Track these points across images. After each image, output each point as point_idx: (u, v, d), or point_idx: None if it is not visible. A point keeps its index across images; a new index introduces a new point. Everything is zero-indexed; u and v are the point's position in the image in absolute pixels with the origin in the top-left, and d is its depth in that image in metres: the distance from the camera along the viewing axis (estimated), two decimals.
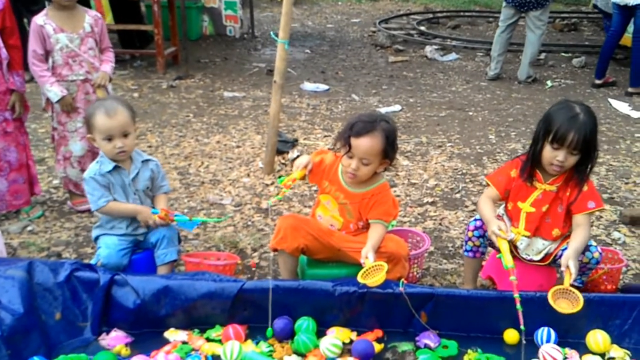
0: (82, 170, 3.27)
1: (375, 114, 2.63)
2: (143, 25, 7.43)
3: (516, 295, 2.24)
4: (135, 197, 2.74)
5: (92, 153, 3.43)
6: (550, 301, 2.28)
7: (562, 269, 2.35)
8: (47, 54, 3.31)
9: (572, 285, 2.34)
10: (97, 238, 2.76)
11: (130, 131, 2.68)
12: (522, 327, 2.23)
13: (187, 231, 3.25)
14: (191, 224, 2.81)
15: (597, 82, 6.77)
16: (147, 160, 2.81)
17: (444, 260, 3.14)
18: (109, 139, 2.64)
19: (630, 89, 6.47)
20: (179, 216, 2.75)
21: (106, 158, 2.69)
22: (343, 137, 2.52)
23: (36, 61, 3.26)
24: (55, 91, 3.28)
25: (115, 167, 2.69)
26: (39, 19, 3.27)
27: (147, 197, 2.80)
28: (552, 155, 2.43)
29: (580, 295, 2.30)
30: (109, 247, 2.65)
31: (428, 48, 8.45)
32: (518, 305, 2.23)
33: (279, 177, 2.73)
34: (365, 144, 2.46)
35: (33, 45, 3.25)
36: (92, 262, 2.67)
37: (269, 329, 2.38)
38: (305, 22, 11.01)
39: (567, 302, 2.31)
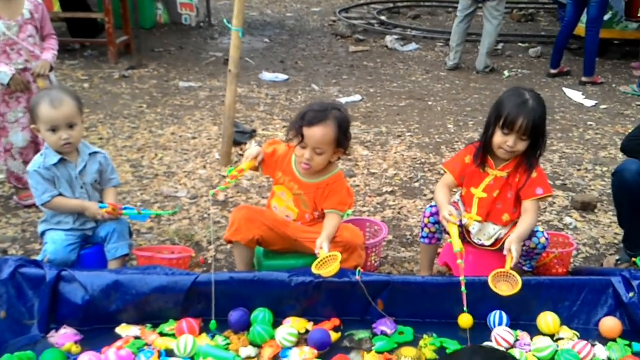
0: (25, 163, 3.18)
1: (327, 103, 2.62)
2: (93, 14, 7.23)
3: (462, 279, 2.31)
4: (83, 191, 2.66)
5: (35, 144, 3.32)
6: (491, 284, 2.34)
7: (505, 252, 2.41)
8: None
9: (515, 269, 2.39)
10: (43, 233, 2.68)
11: (77, 122, 2.60)
12: (465, 308, 2.30)
13: (140, 224, 3.19)
14: (142, 217, 2.75)
15: (552, 71, 6.88)
16: (95, 153, 2.73)
17: (402, 249, 3.15)
18: (54, 130, 2.55)
19: (583, 79, 6.59)
20: (127, 209, 2.68)
21: (51, 150, 2.60)
22: (295, 128, 2.49)
23: None
24: (4, 71, 3.15)
25: (61, 160, 2.60)
26: None
27: (96, 190, 2.72)
28: (503, 140, 2.47)
29: (519, 278, 2.35)
30: (55, 243, 2.57)
31: (388, 38, 8.45)
32: (463, 288, 2.29)
33: (229, 168, 2.69)
34: (317, 133, 2.44)
35: None
36: (39, 258, 2.59)
37: (213, 321, 2.34)
38: (264, 11, 10.90)
39: (507, 284, 2.36)
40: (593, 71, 6.58)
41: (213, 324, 2.34)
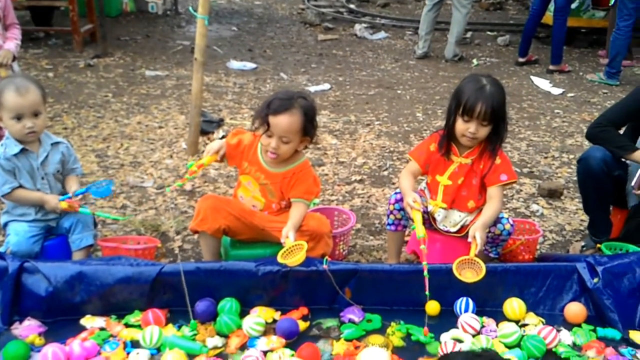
0: None
1: (292, 91, 2.60)
2: (57, 2, 7.05)
3: (424, 263, 2.32)
4: (44, 182, 2.60)
5: None
6: (455, 272, 2.35)
7: (469, 239, 2.42)
8: None
9: (481, 256, 2.42)
10: (5, 225, 2.62)
11: (42, 111, 2.54)
12: (427, 292, 2.32)
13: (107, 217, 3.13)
14: (104, 191, 2.67)
15: (520, 60, 6.95)
16: (57, 143, 2.66)
17: (371, 237, 3.16)
18: (19, 117, 2.48)
19: (551, 67, 6.68)
20: (83, 208, 2.62)
21: (12, 140, 2.54)
22: (261, 116, 2.47)
23: None
24: None
25: (22, 150, 2.54)
26: None
27: (58, 181, 2.66)
28: (464, 128, 2.49)
29: (483, 265, 2.37)
30: (18, 234, 2.52)
31: (357, 26, 8.44)
32: (425, 272, 2.31)
33: (189, 162, 2.65)
34: (283, 121, 2.43)
35: None
36: (1, 250, 2.54)
37: (192, 321, 2.31)
38: None
39: (472, 271, 2.38)
40: (560, 59, 6.67)
41: (193, 325, 2.30)
